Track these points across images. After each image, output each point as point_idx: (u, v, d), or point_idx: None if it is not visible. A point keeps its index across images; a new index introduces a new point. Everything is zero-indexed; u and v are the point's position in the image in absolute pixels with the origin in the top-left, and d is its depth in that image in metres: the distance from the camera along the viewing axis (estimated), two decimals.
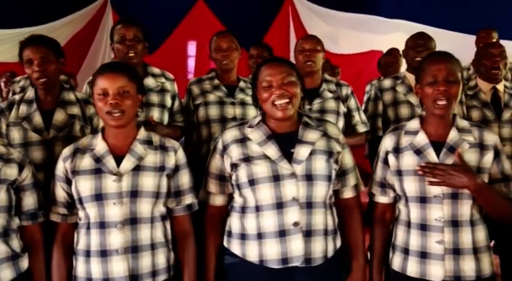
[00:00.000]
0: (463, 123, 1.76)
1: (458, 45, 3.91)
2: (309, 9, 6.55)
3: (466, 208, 1.67)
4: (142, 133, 1.73)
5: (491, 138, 1.73)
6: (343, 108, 2.59)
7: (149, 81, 2.38)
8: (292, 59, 2.59)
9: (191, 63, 7.21)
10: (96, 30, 6.71)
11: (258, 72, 1.77)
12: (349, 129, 2.63)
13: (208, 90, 2.57)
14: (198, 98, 2.56)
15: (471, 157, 1.69)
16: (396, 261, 1.78)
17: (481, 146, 1.71)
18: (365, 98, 3.16)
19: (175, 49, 6.81)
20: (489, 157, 1.70)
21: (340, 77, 5.00)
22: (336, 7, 6.11)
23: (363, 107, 2.89)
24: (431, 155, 1.71)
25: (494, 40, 4.05)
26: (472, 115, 2.82)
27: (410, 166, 1.72)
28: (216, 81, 2.60)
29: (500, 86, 2.85)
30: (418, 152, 1.73)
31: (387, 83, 2.75)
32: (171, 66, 6.95)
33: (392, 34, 5.03)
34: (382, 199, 1.85)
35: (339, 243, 1.77)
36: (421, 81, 1.75)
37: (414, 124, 1.80)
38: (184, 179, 1.75)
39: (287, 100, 1.68)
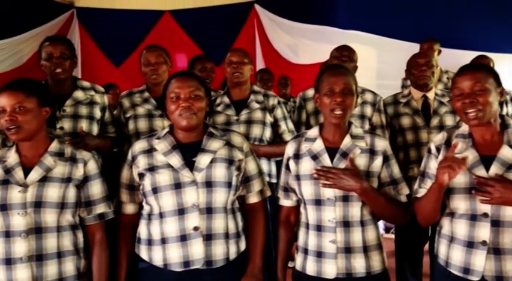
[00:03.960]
0: (357, 130, 1.88)
1: (408, 53, 4.06)
2: (272, 21, 6.70)
3: (356, 210, 1.79)
4: (54, 146, 1.81)
5: (381, 144, 1.85)
6: (269, 118, 2.71)
7: (78, 94, 2.47)
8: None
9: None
10: None
11: (168, 84, 1.86)
12: (277, 138, 2.75)
13: (138, 103, 2.67)
14: (129, 111, 2.66)
15: (362, 161, 1.81)
16: (298, 261, 1.89)
17: (372, 152, 1.83)
18: None
19: None
20: (378, 161, 1.82)
21: (293, 88, 5.15)
22: (297, 19, 6.25)
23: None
24: (326, 160, 1.82)
25: (436, 50, 4.23)
26: (403, 122, 2.97)
27: (307, 170, 1.84)
28: (146, 94, 2.70)
29: (430, 94, 3.00)
30: (315, 157, 1.84)
31: (310, 93, 2.87)
32: (138, 78, 7.07)
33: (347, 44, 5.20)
34: (286, 202, 1.96)
35: (243, 246, 1.87)
36: (320, 91, 1.87)
37: (313, 132, 1.92)
38: (95, 189, 1.83)
39: (192, 113, 1.79)
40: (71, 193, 1.77)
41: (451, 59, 4.56)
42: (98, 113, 2.52)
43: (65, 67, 2.39)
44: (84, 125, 2.43)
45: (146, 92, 2.71)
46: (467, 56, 4.03)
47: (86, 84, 2.56)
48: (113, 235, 1.91)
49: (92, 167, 1.84)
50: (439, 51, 4.29)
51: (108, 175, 1.98)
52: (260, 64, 6.77)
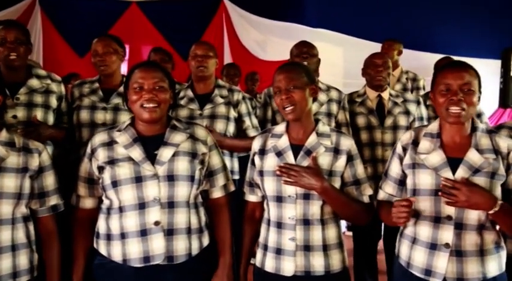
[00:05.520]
0: (324, 128, 1.87)
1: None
2: (240, 16, 6.66)
3: (316, 208, 1.79)
4: (3, 135, 1.74)
5: (346, 143, 1.84)
6: (233, 114, 2.68)
7: (33, 83, 2.39)
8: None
9: (123, 67, 7.14)
10: None
11: (131, 74, 1.81)
12: (241, 133, 2.73)
13: (84, 94, 2.59)
14: (76, 101, 2.59)
15: (325, 160, 1.81)
16: (258, 257, 1.89)
17: (336, 151, 1.82)
18: None
19: None
20: (342, 160, 1.82)
21: (260, 84, 5.15)
22: (265, 15, 6.25)
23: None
24: (290, 158, 1.82)
25: (396, 50, 4.30)
26: (358, 121, 3.00)
27: (271, 166, 1.83)
28: (96, 85, 2.61)
29: (385, 94, 3.03)
30: (279, 154, 1.84)
31: None
32: None
33: (314, 43, 5.23)
34: (251, 197, 1.95)
35: (206, 241, 1.84)
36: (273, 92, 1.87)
37: (280, 128, 1.91)
38: (49, 180, 1.78)
39: (155, 105, 1.74)
40: (26, 184, 1.71)
41: (413, 59, 4.67)
42: (54, 102, 2.44)
43: (19, 53, 2.31)
44: (39, 114, 2.35)
45: (96, 83, 2.62)
46: (431, 59, 4.14)
47: (42, 72, 2.48)
48: (65, 229, 1.86)
49: (46, 157, 1.78)
50: (400, 52, 4.36)
51: (60, 167, 1.92)
52: (228, 59, 6.72)
